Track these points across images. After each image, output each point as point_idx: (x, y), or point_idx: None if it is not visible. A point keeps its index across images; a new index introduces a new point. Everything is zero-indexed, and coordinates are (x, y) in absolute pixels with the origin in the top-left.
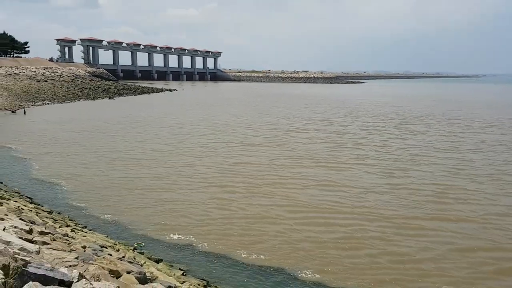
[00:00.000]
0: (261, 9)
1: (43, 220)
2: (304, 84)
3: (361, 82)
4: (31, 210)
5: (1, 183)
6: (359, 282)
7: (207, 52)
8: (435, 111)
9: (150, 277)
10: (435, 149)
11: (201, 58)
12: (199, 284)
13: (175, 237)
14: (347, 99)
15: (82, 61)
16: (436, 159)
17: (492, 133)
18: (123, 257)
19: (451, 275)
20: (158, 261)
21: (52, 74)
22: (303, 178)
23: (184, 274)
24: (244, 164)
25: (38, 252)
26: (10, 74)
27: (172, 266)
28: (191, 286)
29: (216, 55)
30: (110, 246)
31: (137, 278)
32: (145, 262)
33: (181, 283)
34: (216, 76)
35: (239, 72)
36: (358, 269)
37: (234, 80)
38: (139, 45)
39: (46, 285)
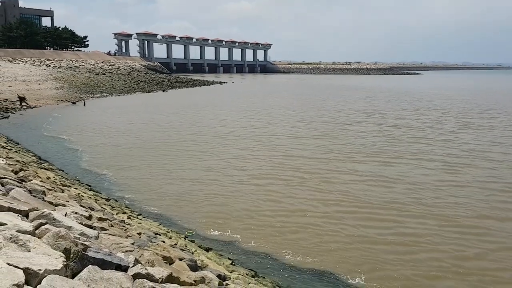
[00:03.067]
0: (313, 0)
1: (101, 207)
2: (356, 75)
3: (418, 73)
4: (90, 197)
5: (62, 170)
6: None
7: (257, 44)
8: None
9: (200, 264)
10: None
11: (251, 50)
12: (247, 274)
13: (224, 228)
14: (405, 91)
15: (138, 54)
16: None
17: None
18: (175, 244)
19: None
20: (208, 249)
21: (110, 67)
22: (359, 173)
23: (233, 263)
24: (297, 157)
25: (97, 237)
26: (71, 67)
27: (221, 255)
28: (239, 275)
29: (266, 47)
30: (163, 234)
31: (188, 265)
32: (195, 250)
33: (230, 272)
34: (266, 68)
35: (289, 64)
36: (418, 275)
37: (284, 72)
38: (192, 38)
39: (104, 269)
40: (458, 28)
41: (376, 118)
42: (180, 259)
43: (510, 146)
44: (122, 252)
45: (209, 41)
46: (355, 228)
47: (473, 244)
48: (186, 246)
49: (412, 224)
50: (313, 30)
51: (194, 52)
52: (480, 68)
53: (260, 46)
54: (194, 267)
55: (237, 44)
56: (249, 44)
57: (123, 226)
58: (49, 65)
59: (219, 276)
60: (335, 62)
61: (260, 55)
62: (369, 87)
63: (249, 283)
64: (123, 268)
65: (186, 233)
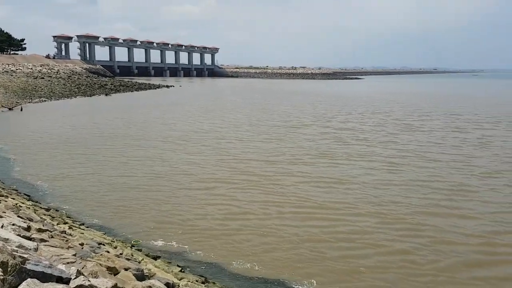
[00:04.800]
0: (260, 5)
1: (41, 218)
2: (301, 80)
3: (359, 78)
4: (29, 207)
5: None
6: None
7: (205, 48)
8: (440, 107)
9: (148, 273)
10: (440, 145)
11: (199, 54)
12: (197, 280)
13: (173, 235)
14: (346, 96)
15: (79, 57)
16: (439, 155)
17: (498, 129)
18: (121, 254)
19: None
20: (156, 258)
21: (49, 71)
22: (307, 175)
23: (182, 270)
24: (247, 161)
25: (36, 249)
26: (7, 71)
27: (170, 263)
28: (189, 282)
29: (213, 51)
30: (108, 243)
31: (134, 275)
32: (142, 259)
33: (179, 280)
34: (214, 72)
35: (237, 68)
36: (366, 272)
37: (232, 76)
38: (136, 41)
39: (44, 282)
40: (396, 34)
41: (323, 121)
42: (126, 269)
43: (448, 147)
44: (64, 264)
45: (154, 44)
46: (303, 229)
47: (413, 240)
48: (132, 255)
49: (358, 223)
50: (261, 35)
51: (139, 55)
52: (418, 72)
53: (207, 50)
54: (141, 276)
55: (183, 47)
56: (196, 48)
57: (64, 236)
58: None
59: (167, 284)
60: (281, 67)
61: (207, 59)
62: (315, 92)
63: None
64: (65, 281)
65: (132, 242)
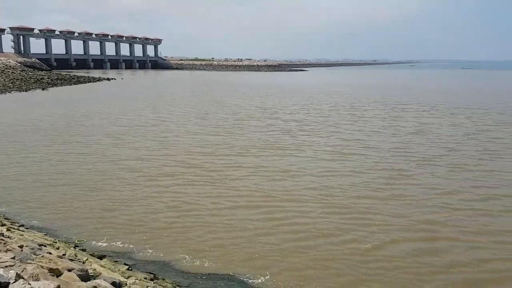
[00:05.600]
0: None
1: None
2: (247, 72)
3: (303, 70)
4: None
5: None
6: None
7: (147, 39)
8: (382, 97)
9: (93, 273)
10: (379, 133)
11: (141, 45)
12: (145, 278)
13: (120, 233)
14: (293, 87)
15: (13, 50)
16: (379, 143)
17: (432, 117)
18: (64, 255)
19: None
20: (101, 257)
21: None
22: (254, 167)
23: (130, 269)
24: (195, 154)
25: None
26: None
27: (117, 262)
28: (137, 280)
29: (156, 42)
30: (50, 244)
31: (79, 275)
32: (87, 259)
33: (126, 278)
34: (157, 64)
35: (182, 60)
36: (316, 263)
37: (177, 68)
38: (73, 32)
39: None
40: (339, 27)
41: (270, 113)
42: (69, 270)
43: (388, 135)
44: (1, 267)
45: (93, 35)
46: (255, 221)
47: (360, 227)
48: (76, 256)
49: (307, 212)
50: (207, 27)
51: (78, 48)
52: (359, 64)
53: (150, 41)
54: (86, 277)
55: (124, 38)
56: (137, 39)
57: (2, 239)
58: None
59: (113, 283)
60: (227, 59)
61: (150, 50)
62: (262, 84)
63: (147, 287)
64: (3, 285)
65: (76, 242)
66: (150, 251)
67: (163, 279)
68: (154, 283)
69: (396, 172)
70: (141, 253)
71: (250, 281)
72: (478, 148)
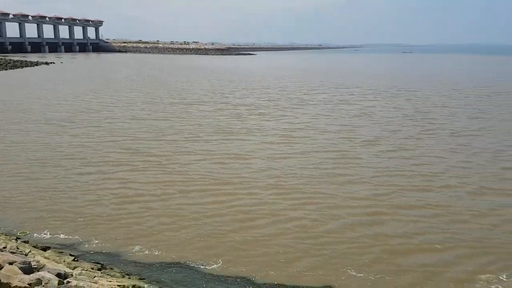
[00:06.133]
0: None
1: None
2: (195, 55)
3: (251, 54)
4: None
5: None
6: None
7: (87, 21)
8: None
9: (36, 266)
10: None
11: (81, 28)
12: (93, 268)
13: (64, 223)
14: (242, 71)
15: None
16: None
17: (376, 100)
18: (4, 247)
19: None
20: (45, 249)
21: None
22: (202, 152)
23: (76, 259)
24: (142, 140)
25: None
26: None
27: (62, 253)
28: (83, 270)
29: (97, 24)
30: None
31: (21, 268)
32: (30, 251)
33: (72, 269)
34: (99, 47)
35: (125, 42)
36: (267, 245)
37: (120, 51)
38: (8, 14)
39: None
40: (285, 12)
41: (220, 97)
42: (11, 263)
43: (335, 118)
44: None
45: (30, 17)
46: (206, 206)
47: (307, 207)
48: (18, 248)
49: (258, 195)
50: (152, 9)
51: (13, 31)
52: (305, 48)
53: (91, 23)
54: (29, 269)
55: (63, 20)
56: (77, 21)
57: None
58: None
59: (58, 275)
60: (173, 41)
61: (91, 33)
62: (211, 67)
63: (94, 277)
64: None
65: (17, 234)
66: (97, 241)
67: (111, 269)
68: (101, 272)
69: (342, 153)
70: (87, 244)
71: (202, 267)
72: (417, 129)
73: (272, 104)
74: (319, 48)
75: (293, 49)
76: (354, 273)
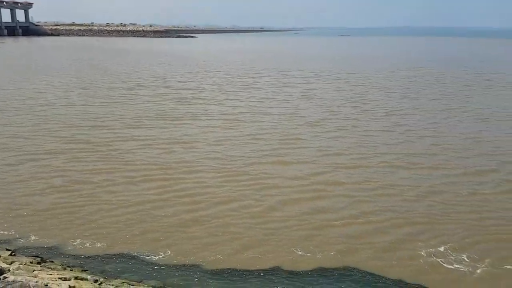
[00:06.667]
0: None
1: None
2: (133, 38)
3: (193, 37)
4: None
5: None
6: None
7: (15, 3)
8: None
9: None
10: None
11: (8, 10)
12: (31, 262)
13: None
14: (185, 54)
15: None
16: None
17: (317, 82)
18: None
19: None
20: None
21: None
22: (143, 138)
23: (13, 254)
24: (80, 127)
25: None
26: None
27: None
28: (21, 265)
29: (26, 6)
30: None
31: None
32: None
33: (9, 264)
34: (29, 30)
35: (57, 25)
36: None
37: (52, 35)
38: None
39: None
40: None
41: (162, 81)
42: None
43: (279, 101)
44: None
45: None
46: (149, 196)
47: (248, 187)
48: None
49: (201, 179)
50: None
51: None
52: (246, 31)
53: (19, 5)
54: None
55: None
56: (4, 3)
57: None
58: None
59: None
60: (109, 23)
61: (20, 15)
62: (151, 50)
63: (33, 271)
64: None
65: None
66: (35, 234)
67: (52, 262)
68: (41, 266)
69: (287, 136)
70: (25, 238)
71: (149, 257)
72: (356, 110)
73: (216, 88)
74: (261, 31)
75: (235, 32)
76: (300, 252)
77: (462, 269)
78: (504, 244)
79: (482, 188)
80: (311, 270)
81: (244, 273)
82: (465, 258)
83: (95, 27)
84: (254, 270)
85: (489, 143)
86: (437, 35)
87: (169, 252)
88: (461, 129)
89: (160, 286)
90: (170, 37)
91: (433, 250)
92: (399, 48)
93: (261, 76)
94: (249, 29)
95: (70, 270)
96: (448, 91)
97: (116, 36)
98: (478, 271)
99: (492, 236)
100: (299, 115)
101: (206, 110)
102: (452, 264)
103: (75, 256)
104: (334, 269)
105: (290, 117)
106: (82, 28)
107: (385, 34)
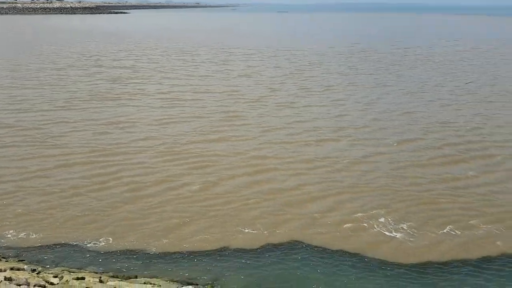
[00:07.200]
0: None
1: None
2: (61, 15)
3: (125, 13)
4: None
5: None
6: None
7: None
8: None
9: None
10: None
11: None
12: None
13: None
14: (120, 32)
15: None
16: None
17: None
18: None
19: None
20: None
21: None
22: (73, 120)
23: None
24: (8, 112)
25: None
26: None
27: None
28: None
29: None
30: None
31: None
32: None
33: None
34: None
35: None
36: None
37: None
38: None
39: None
40: None
41: (94, 59)
42: None
43: (219, 79)
44: None
45: None
46: (82, 180)
47: (193, 170)
48: None
49: (145, 163)
50: None
51: None
52: (182, 7)
53: None
54: None
55: None
56: None
57: None
58: None
59: None
60: (34, 0)
61: None
62: (81, 28)
63: None
64: None
65: None
66: None
67: None
68: None
69: (229, 113)
70: None
71: (89, 244)
72: (295, 87)
73: (154, 66)
74: (196, 6)
75: (170, 7)
76: (246, 230)
77: (400, 236)
78: (440, 212)
79: (418, 159)
80: (259, 248)
81: (191, 255)
82: (403, 227)
83: (19, 5)
84: (201, 251)
85: (420, 115)
86: (373, 11)
87: (110, 237)
88: (394, 102)
89: (102, 272)
90: (101, 13)
91: (373, 218)
92: (338, 24)
93: (200, 54)
94: (184, 5)
95: (6, 262)
96: (380, 66)
97: (43, 13)
98: (416, 238)
99: (428, 206)
100: (239, 93)
101: (143, 90)
102: (391, 232)
103: (10, 248)
104: (281, 244)
105: (233, 95)
106: (4, 6)
107: (322, 11)
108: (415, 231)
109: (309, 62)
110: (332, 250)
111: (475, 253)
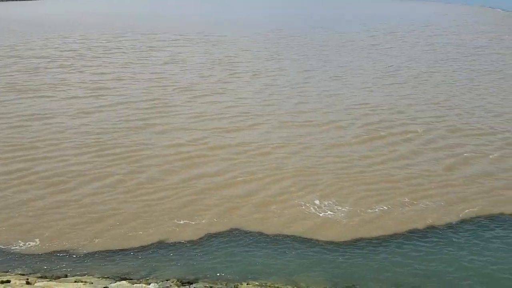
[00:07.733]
0: None
1: None
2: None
3: None
4: None
5: None
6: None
7: None
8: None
9: None
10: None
11: None
12: None
13: None
14: (39, 20)
15: None
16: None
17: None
18: None
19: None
20: None
21: None
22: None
23: None
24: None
25: None
26: None
27: None
28: None
29: None
30: None
31: None
32: None
33: None
34: None
35: None
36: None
37: None
38: None
39: None
40: None
41: (8, 49)
42: None
43: (149, 66)
44: None
45: None
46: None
47: (127, 164)
48: None
49: (57, 159)
50: None
51: None
52: None
53: None
54: None
55: None
56: None
57: None
58: None
59: None
60: None
61: None
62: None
63: None
64: None
65: None
66: None
67: None
68: None
69: (156, 102)
70: None
71: (15, 246)
72: (225, 73)
73: (74, 54)
74: None
75: None
76: (183, 221)
77: (333, 215)
78: (369, 192)
79: (345, 139)
80: (198, 239)
81: (125, 251)
82: (336, 205)
83: None
84: (135, 247)
85: (347, 99)
86: None
87: (38, 238)
88: (322, 86)
89: (29, 273)
90: (7, 1)
91: (309, 200)
92: (263, 8)
93: (124, 40)
94: None
95: None
96: (308, 51)
97: None
98: (347, 215)
99: (357, 182)
100: (168, 80)
101: (64, 80)
102: (325, 212)
103: None
104: (220, 233)
105: (160, 82)
106: None
107: None
108: (345, 208)
109: (237, 48)
110: (268, 234)
111: None
